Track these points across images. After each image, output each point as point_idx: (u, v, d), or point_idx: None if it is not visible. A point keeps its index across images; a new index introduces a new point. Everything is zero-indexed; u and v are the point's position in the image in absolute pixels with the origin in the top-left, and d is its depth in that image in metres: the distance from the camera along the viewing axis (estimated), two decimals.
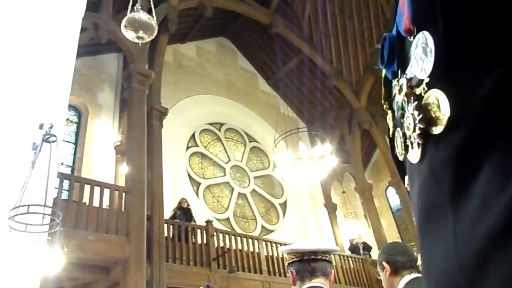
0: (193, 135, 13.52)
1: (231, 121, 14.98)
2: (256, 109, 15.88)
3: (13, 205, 4.40)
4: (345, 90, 15.19)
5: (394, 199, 16.52)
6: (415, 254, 1.97)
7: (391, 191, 16.47)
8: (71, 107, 10.86)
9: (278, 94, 16.60)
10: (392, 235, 15.72)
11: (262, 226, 13.55)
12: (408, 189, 0.48)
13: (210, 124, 14.34)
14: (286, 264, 1.89)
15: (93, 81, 11.69)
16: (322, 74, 15.21)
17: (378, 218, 14.10)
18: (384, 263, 1.94)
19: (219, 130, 14.57)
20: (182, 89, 13.58)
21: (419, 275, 1.84)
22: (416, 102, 0.37)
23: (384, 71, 0.47)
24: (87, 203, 7.36)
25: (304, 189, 14.23)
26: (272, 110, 15.73)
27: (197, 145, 13.50)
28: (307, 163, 11.04)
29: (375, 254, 13.09)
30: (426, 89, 0.36)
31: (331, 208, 15.28)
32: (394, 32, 0.44)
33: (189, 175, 12.60)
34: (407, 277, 1.85)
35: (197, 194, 12.43)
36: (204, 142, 13.88)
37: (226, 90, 15.25)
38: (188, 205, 9.96)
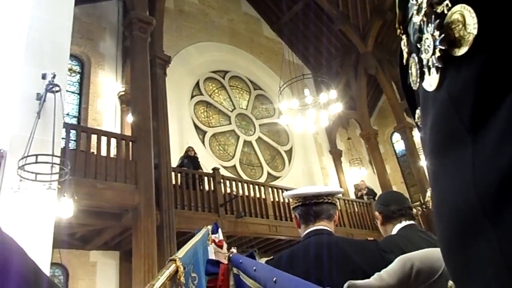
0: (197, 83, 13.39)
1: (235, 69, 14.77)
2: (261, 56, 15.59)
3: (21, 155, 4.47)
4: (352, 35, 14.81)
5: (399, 144, 16.58)
6: (408, 202, 2.08)
7: (396, 137, 16.49)
8: (73, 56, 10.70)
9: (283, 40, 16.22)
10: (396, 180, 15.94)
11: (268, 173, 13.74)
12: (419, 123, 0.46)
13: (214, 72, 14.15)
14: (291, 208, 1.91)
15: (94, 29, 11.44)
16: (328, 18, 14.75)
17: (383, 164, 14.23)
18: (376, 213, 2.07)
19: (224, 78, 14.40)
20: (184, 36, 13.29)
21: (412, 222, 1.95)
22: (437, 21, 0.34)
23: None
24: (95, 153, 7.44)
25: (309, 136, 14.27)
26: (276, 57, 15.45)
27: (201, 94, 13.41)
28: (312, 110, 10.99)
29: None
30: (450, 5, 0.33)
31: (336, 154, 15.40)
32: None
33: (194, 123, 12.62)
34: (399, 225, 1.94)
35: (203, 142, 12.51)
36: (209, 90, 13.78)
37: (229, 36, 14.91)
38: (195, 153, 10.05)
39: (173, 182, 8.61)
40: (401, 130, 14.04)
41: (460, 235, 0.34)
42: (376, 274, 1.12)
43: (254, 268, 1.42)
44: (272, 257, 1.85)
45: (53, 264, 6.97)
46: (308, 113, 10.96)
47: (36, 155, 4.34)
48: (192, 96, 13.04)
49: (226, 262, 1.90)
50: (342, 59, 15.74)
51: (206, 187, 9.36)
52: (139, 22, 9.15)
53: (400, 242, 1.67)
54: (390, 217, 1.98)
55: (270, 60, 15.60)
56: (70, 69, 10.32)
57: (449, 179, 0.35)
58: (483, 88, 0.31)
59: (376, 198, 2.24)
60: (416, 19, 0.38)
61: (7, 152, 4.75)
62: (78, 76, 11.10)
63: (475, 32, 0.31)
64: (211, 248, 2.47)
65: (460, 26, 0.32)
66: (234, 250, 1.93)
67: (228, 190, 9.64)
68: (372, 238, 1.89)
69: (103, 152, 7.50)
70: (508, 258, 0.28)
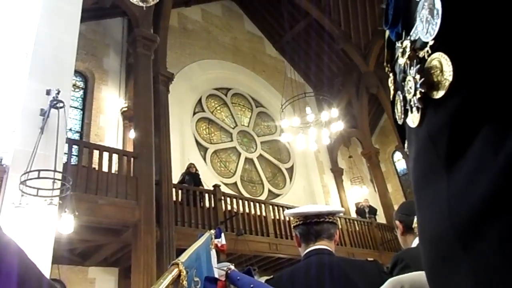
0: (200, 100, 13.48)
1: (237, 86, 14.87)
2: (263, 73, 15.72)
3: (24, 170, 4.49)
4: (353, 54, 14.94)
5: (401, 163, 16.56)
6: None
7: (398, 156, 16.48)
8: (77, 72, 10.81)
9: (285, 58, 16.37)
10: (398, 199, 15.85)
11: (269, 191, 13.71)
12: (408, 153, 0.48)
13: (217, 89, 14.25)
14: (292, 227, 1.91)
15: (98, 46, 11.58)
16: (330, 37, 14.91)
17: (384, 183, 14.19)
18: (397, 222, 1.96)
19: (226, 95, 14.50)
20: (187, 54, 13.44)
21: None
22: (418, 65, 0.37)
23: (388, 33, 0.46)
24: (97, 168, 7.45)
25: (310, 153, 14.28)
26: (279, 75, 15.58)
27: (203, 111, 13.49)
28: (314, 128, 11.02)
29: (380, 217, 13.27)
30: (430, 52, 0.36)
31: (337, 172, 15.37)
32: None
33: (196, 140, 12.66)
34: None
35: (204, 159, 12.53)
36: (211, 107, 13.86)
37: (232, 54, 15.06)
38: (196, 170, 10.06)
39: (174, 198, 8.59)
40: (402, 149, 13.92)
41: (439, 262, 0.36)
42: None
43: (252, 286, 1.42)
44: (272, 276, 1.85)
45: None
46: (310, 131, 11.00)
47: (39, 171, 4.36)
48: (194, 113, 13.11)
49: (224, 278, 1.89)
50: (343, 78, 15.84)
51: (207, 204, 9.33)
52: (143, 39, 9.28)
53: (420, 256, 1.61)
54: (412, 227, 1.88)
55: (272, 78, 15.73)
56: (73, 85, 10.41)
57: (428, 210, 0.38)
58: (457, 128, 0.33)
59: (397, 207, 2.11)
60: (401, 60, 0.41)
61: (9, 167, 4.78)
62: (81, 92, 11.20)
63: (450, 78, 0.34)
64: (214, 252, 2.47)
65: (438, 72, 0.35)
66: (232, 266, 1.93)
67: (229, 208, 9.61)
68: (372, 259, 1.87)
69: (105, 168, 7.51)
70: (482, 287, 0.30)
